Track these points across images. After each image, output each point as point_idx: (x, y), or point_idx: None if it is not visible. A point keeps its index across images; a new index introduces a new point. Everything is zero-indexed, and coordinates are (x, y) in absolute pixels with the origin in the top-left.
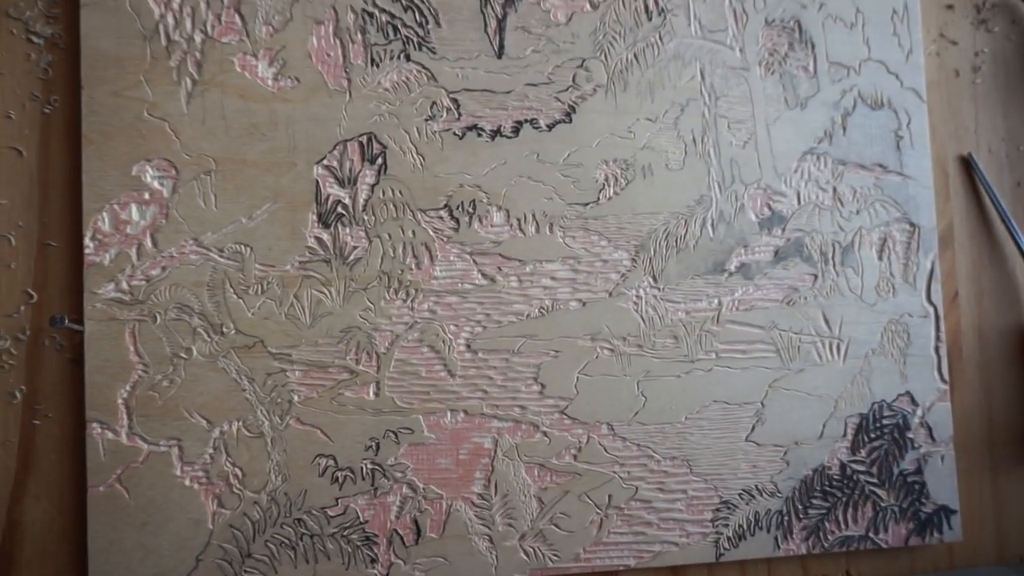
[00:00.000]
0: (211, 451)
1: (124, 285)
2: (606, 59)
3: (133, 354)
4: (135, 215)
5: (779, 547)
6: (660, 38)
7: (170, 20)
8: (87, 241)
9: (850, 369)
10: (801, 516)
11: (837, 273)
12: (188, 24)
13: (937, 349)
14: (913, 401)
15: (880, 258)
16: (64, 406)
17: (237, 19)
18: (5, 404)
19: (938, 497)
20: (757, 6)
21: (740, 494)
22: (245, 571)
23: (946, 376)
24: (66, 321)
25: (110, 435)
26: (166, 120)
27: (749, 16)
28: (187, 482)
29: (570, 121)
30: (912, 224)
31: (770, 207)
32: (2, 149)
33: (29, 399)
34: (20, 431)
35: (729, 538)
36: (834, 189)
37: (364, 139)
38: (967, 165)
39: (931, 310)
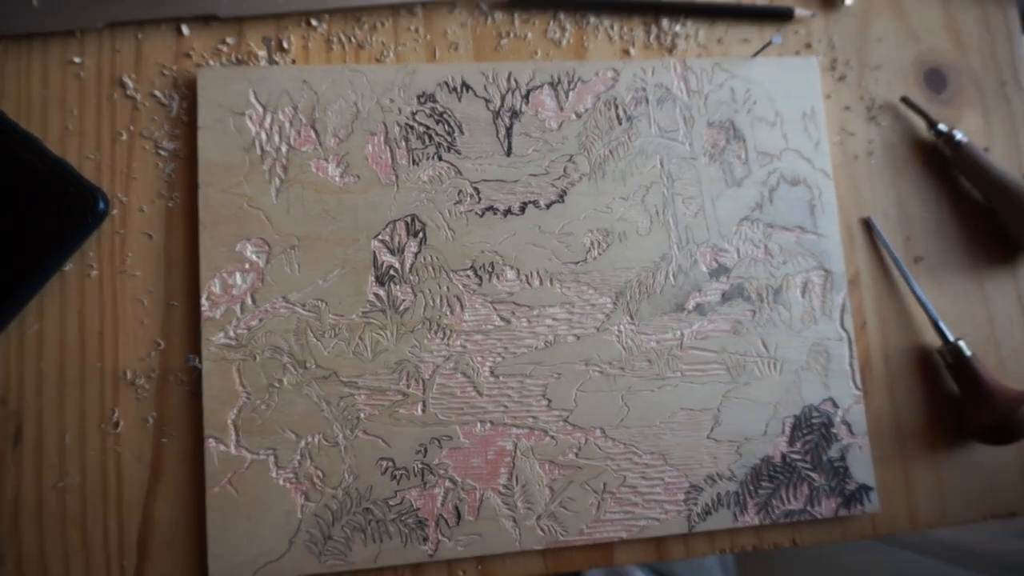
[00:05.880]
0: (299, 458)
1: (231, 333)
2: (588, 154)
3: (238, 385)
4: (239, 280)
5: (737, 520)
6: (629, 138)
7: (263, 136)
8: (203, 301)
9: (784, 381)
10: (753, 495)
11: (771, 309)
12: (276, 138)
13: (851, 364)
14: (835, 404)
15: (803, 297)
16: (185, 427)
17: (312, 133)
18: (140, 427)
19: (859, 478)
20: (701, 112)
21: (705, 479)
22: (326, 550)
23: (859, 385)
24: (197, 361)
25: (222, 448)
26: (261, 209)
27: (695, 120)
28: (281, 482)
29: (563, 201)
30: (826, 271)
31: (717, 261)
32: (138, 234)
33: (158, 423)
34: (152, 448)
35: (698, 514)
36: (765, 246)
37: (409, 219)
38: (867, 225)
39: (844, 335)
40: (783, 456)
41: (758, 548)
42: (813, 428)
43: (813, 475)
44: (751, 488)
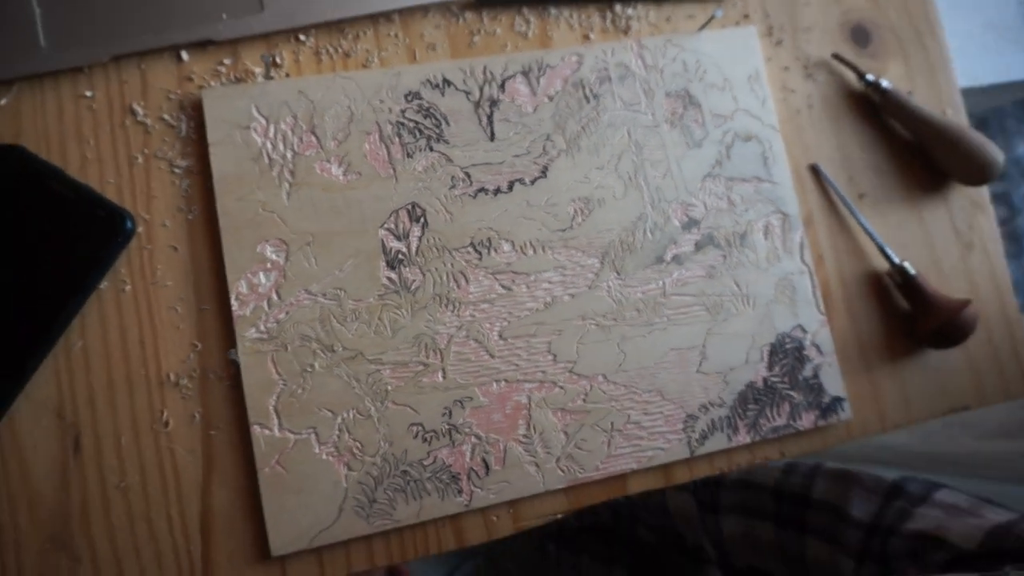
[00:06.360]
0: (337, 433)
1: (262, 328)
2: (563, 132)
3: (274, 374)
4: (263, 279)
5: (731, 440)
6: (597, 114)
7: (269, 146)
8: (233, 301)
9: (758, 314)
10: (742, 417)
11: (739, 252)
12: (281, 146)
13: (814, 294)
14: (804, 330)
15: (766, 239)
16: (230, 418)
17: (313, 139)
18: (188, 424)
19: (832, 391)
20: (659, 84)
21: (699, 408)
22: (373, 512)
23: (823, 310)
24: (236, 354)
25: (267, 432)
26: (275, 212)
27: (655, 92)
28: (324, 457)
29: (546, 176)
30: (784, 214)
31: (687, 215)
32: (164, 247)
33: (205, 418)
34: (202, 442)
35: (697, 439)
36: (728, 197)
37: (409, 207)
38: (814, 170)
39: (805, 269)
40: (764, 380)
41: (751, 463)
42: (787, 353)
43: (792, 394)
44: (740, 411)
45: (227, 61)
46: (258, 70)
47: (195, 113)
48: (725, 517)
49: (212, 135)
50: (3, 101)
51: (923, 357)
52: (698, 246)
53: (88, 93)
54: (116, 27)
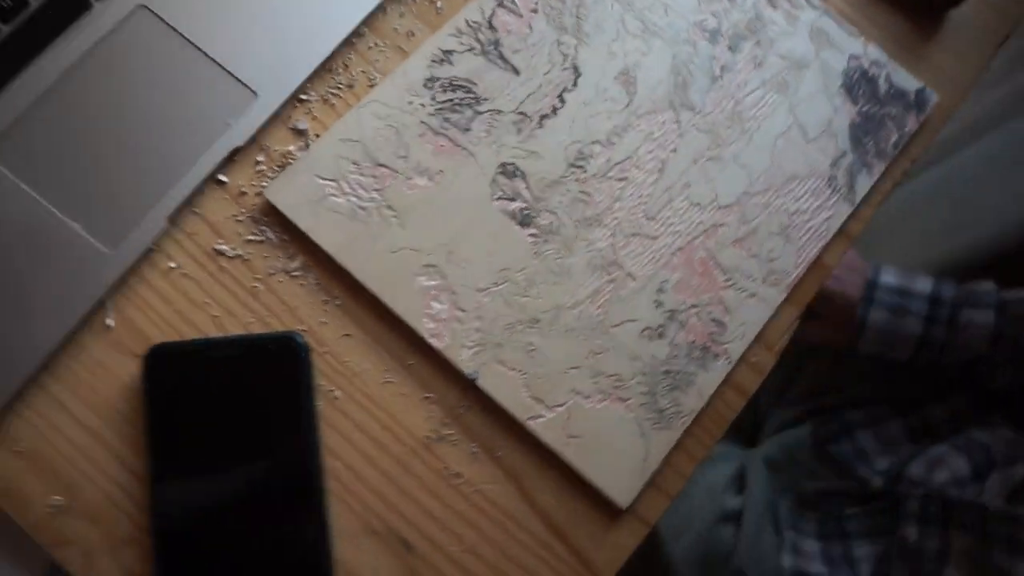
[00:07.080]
0: (592, 381)
1: (469, 343)
2: (566, 30)
3: (509, 371)
4: (437, 306)
5: (872, 175)
6: None
7: (354, 199)
8: (429, 340)
9: (815, 69)
10: (866, 151)
11: (764, 31)
12: (364, 192)
13: (839, 25)
14: (855, 57)
15: (775, 8)
16: (502, 432)
17: (384, 169)
18: (473, 461)
19: (911, 87)
20: None
21: (830, 167)
22: (668, 419)
23: (856, 32)
24: (476, 373)
25: (541, 420)
26: (403, 247)
27: None
28: (599, 406)
29: (580, 73)
30: None
31: (705, 30)
32: (339, 340)
33: (483, 448)
34: (498, 467)
35: (847, 190)
36: None
37: (500, 168)
38: None
39: (819, 10)
40: (859, 113)
41: (898, 183)
42: (857, 83)
43: (886, 109)
44: (861, 148)
45: (260, 157)
46: (292, 147)
47: (271, 217)
48: None
49: (302, 223)
50: (110, 321)
51: (953, 20)
52: (732, 49)
53: (172, 264)
54: (149, 192)
